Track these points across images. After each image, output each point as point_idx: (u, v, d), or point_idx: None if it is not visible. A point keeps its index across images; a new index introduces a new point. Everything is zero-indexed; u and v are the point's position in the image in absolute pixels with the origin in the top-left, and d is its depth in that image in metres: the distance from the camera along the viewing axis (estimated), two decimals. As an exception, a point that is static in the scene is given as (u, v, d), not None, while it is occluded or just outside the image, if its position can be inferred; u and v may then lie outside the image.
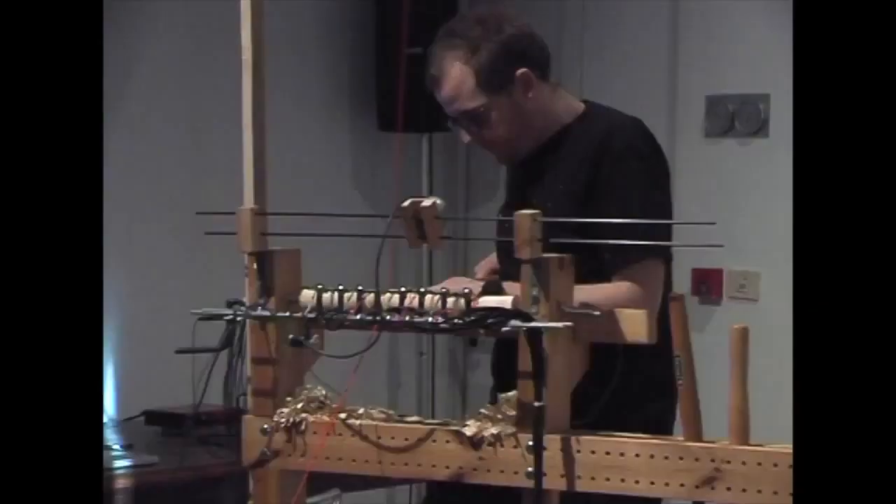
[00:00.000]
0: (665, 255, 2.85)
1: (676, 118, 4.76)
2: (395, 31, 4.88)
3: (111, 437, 4.01)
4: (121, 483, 3.64)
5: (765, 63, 4.55)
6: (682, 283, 4.61)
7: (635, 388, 2.65)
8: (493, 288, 2.20)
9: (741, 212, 4.61)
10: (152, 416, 4.17)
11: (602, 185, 2.85)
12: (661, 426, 2.74)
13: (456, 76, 2.91)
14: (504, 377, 2.18)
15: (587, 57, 4.97)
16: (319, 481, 2.40)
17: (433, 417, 2.45)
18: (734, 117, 4.64)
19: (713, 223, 2.21)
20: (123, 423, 4.31)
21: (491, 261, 3.12)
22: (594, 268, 2.80)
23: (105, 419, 4.33)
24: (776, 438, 2.05)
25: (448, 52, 2.92)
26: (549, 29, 3.11)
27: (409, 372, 5.29)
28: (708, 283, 4.67)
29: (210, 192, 4.27)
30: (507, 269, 2.81)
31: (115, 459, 3.72)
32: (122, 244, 4.41)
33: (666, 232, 2.88)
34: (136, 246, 4.56)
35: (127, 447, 3.87)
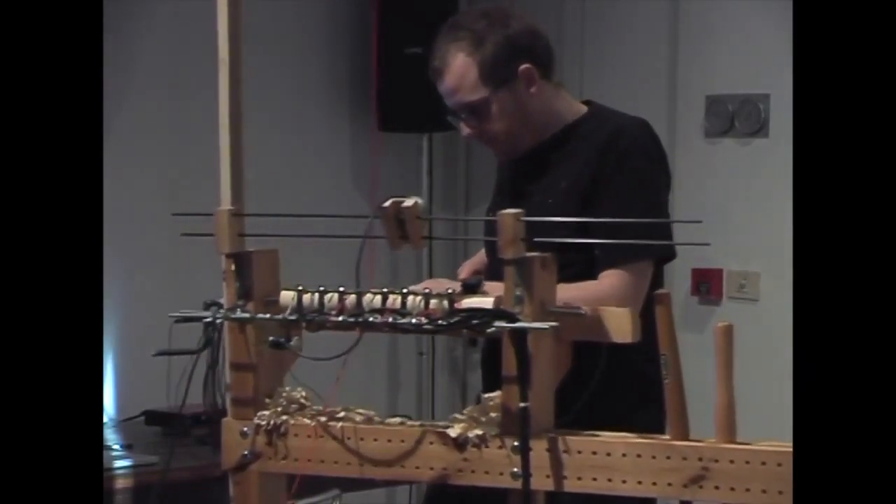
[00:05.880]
0: (656, 256, 2.84)
1: (676, 118, 4.76)
2: (395, 31, 4.90)
3: (111, 437, 4.03)
4: (121, 483, 3.66)
5: (765, 63, 4.54)
6: (682, 283, 4.62)
7: (623, 388, 2.64)
8: (472, 282, 2.18)
9: (741, 212, 4.61)
10: (152, 416, 4.18)
11: (604, 182, 2.84)
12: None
13: (459, 68, 2.90)
14: (494, 375, 2.17)
15: (587, 57, 4.97)
16: (319, 482, 2.36)
17: (433, 417, 2.43)
18: (734, 117, 4.63)
19: (699, 221, 2.20)
20: (123, 423, 4.33)
21: (474, 262, 3.12)
22: (588, 265, 2.79)
23: (105, 419, 4.34)
24: (777, 438, 2.03)
25: (452, 43, 2.92)
26: (549, 29, 3.09)
27: (409, 372, 5.27)
28: (708, 283, 4.66)
29: (211, 190, 4.28)
30: (497, 268, 2.80)
31: (115, 459, 3.74)
32: (123, 244, 4.42)
33: (662, 233, 2.86)
34: (138, 245, 4.56)
35: (127, 447, 3.88)
